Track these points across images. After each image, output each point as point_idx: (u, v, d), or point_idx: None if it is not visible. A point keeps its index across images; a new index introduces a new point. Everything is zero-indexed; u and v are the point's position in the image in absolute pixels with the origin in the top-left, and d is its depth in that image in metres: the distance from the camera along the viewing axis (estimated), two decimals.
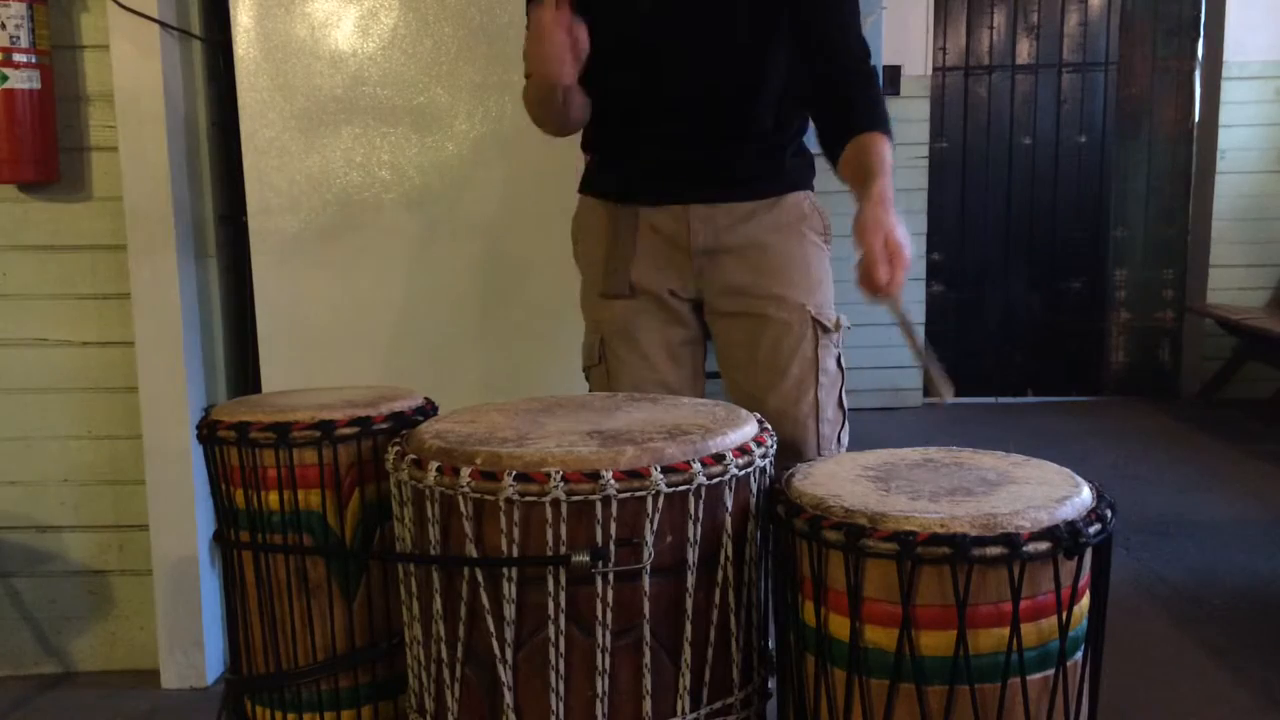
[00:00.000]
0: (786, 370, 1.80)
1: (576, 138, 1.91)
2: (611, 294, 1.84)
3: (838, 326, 1.83)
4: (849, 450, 1.82)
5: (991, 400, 5.49)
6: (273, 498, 1.58)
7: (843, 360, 1.85)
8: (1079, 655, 1.23)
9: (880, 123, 1.67)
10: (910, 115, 5.14)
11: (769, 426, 1.45)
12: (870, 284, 1.47)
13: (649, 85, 1.80)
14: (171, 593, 2.50)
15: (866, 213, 1.51)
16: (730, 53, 1.76)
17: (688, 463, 1.26)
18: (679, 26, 1.76)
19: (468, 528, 1.27)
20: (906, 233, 1.50)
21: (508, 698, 1.29)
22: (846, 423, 1.87)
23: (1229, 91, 5.17)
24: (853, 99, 1.72)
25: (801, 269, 1.83)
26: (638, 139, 1.84)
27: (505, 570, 1.26)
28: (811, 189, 1.90)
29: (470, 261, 2.44)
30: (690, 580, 1.29)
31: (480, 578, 1.28)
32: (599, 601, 1.25)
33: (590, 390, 1.93)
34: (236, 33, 2.36)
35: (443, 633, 1.33)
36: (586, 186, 1.93)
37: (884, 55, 4.99)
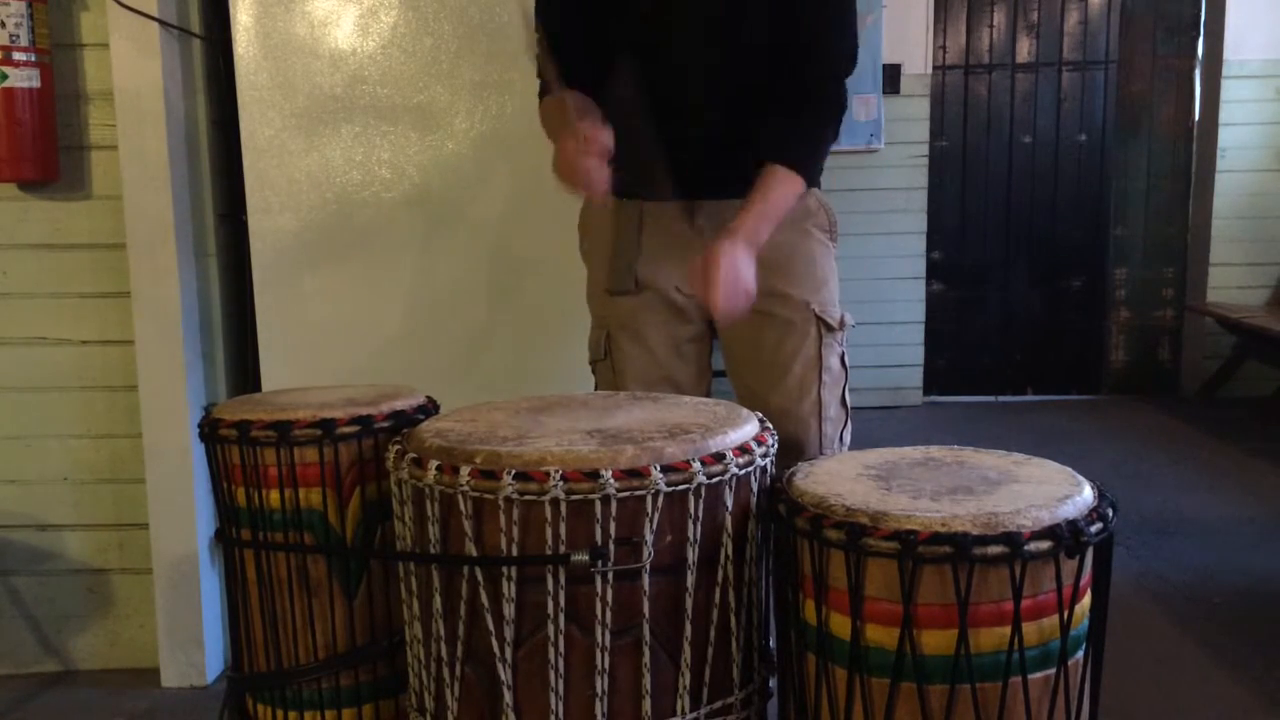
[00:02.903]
0: (789, 368, 1.80)
1: None
2: (617, 290, 1.84)
3: (842, 325, 1.83)
4: (850, 449, 1.82)
5: (992, 399, 5.49)
6: (274, 496, 1.59)
7: (846, 359, 1.85)
8: (1080, 654, 1.23)
9: (796, 157, 1.73)
10: (910, 114, 5.14)
11: (770, 426, 1.45)
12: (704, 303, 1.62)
13: (653, 84, 1.80)
14: (171, 591, 2.50)
15: (719, 242, 1.64)
16: (733, 52, 1.76)
17: (687, 462, 1.26)
18: (680, 26, 1.76)
19: (467, 526, 1.27)
20: (750, 269, 1.63)
21: (507, 697, 1.29)
22: (849, 421, 1.87)
23: (1229, 90, 5.17)
24: (791, 119, 1.76)
25: (806, 266, 1.82)
26: (643, 136, 1.83)
27: (505, 569, 1.26)
28: (817, 186, 1.90)
29: (471, 259, 2.44)
30: (690, 579, 1.29)
31: (480, 576, 1.28)
32: (598, 601, 1.25)
33: (595, 385, 1.94)
34: (236, 31, 2.36)
35: (442, 631, 1.33)
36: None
37: (884, 54, 5.00)
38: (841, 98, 1.80)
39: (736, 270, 1.61)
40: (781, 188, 1.70)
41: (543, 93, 1.84)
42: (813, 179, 1.77)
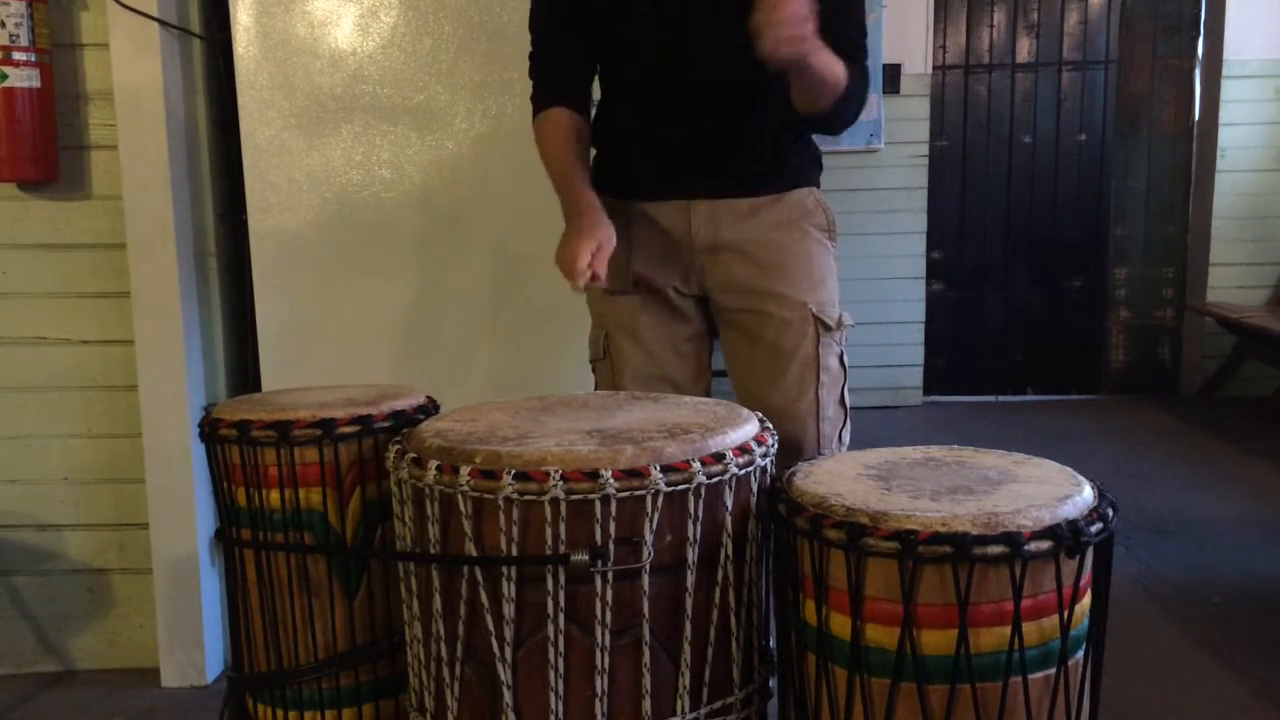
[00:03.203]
0: (787, 368, 1.80)
1: None
2: (615, 289, 1.85)
3: (840, 324, 1.83)
4: (850, 449, 1.82)
5: (991, 399, 5.49)
6: (274, 496, 1.59)
7: (845, 358, 1.85)
8: (1080, 654, 1.23)
9: (847, 60, 1.66)
10: (910, 114, 5.14)
11: (770, 425, 1.45)
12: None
13: (652, 82, 1.80)
14: (171, 591, 2.50)
15: None
16: (733, 51, 1.76)
17: (687, 462, 1.26)
18: (680, 25, 1.76)
19: (467, 526, 1.27)
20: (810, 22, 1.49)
21: (507, 696, 1.29)
22: (848, 421, 1.87)
23: (1229, 90, 5.17)
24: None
25: (804, 266, 1.83)
26: (641, 135, 1.84)
27: (505, 569, 1.26)
28: (817, 185, 1.90)
29: (471, 259, 2.44)
30: (690, 579, 1.29)
31: (480, 576, 1.28)
32: (598, 600, 1.25)
33: (595, 384, 1.94)
34: (236, 31, 2.36)
35: (442, 631, 1.33)
36: (592, 182, 1.93)
37: (884, 53, 5.00)
38: (865, 63, 1.78)
39: (805, 8, 1.50)
40: (837, 65, 1.64)
41: (536, 102, 1.85)
42: (849, 102, 1.71)
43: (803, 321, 1.80)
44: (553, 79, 1.84)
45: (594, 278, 1.65)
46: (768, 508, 1.33)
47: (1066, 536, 1.15)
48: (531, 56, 1.86)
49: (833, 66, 1.64)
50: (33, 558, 2.57)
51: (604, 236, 1.67)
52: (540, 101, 1.84)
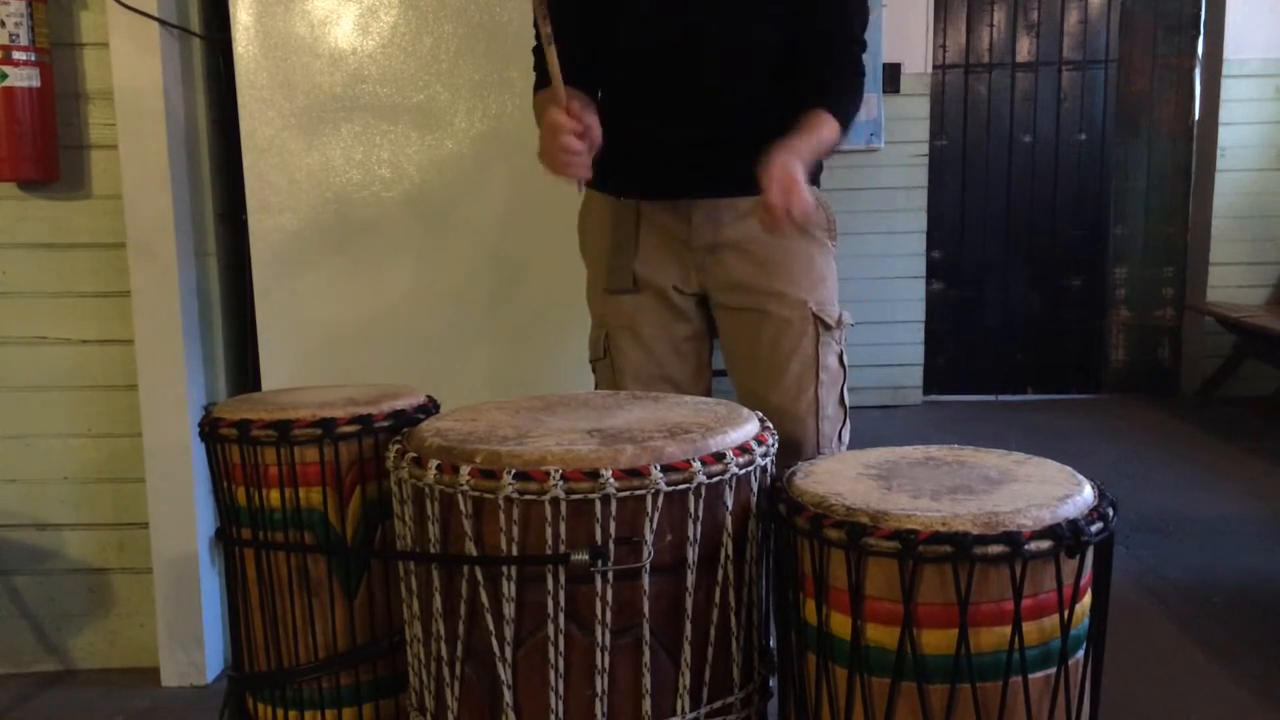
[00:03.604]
0: (786, 367, 1.80)
1: None
2: (615, 289, 1.85)
3: (840, 323, 1.83)
4: (850, 448, 1.82)
5: (991, 398, 5.49)
6: (274, 495, 1.58)
7: (845, 357, 1.85)
8: (1080, 654, 1.23)
9: (834, 104, 1.73)
10: (910, 113, 5.14)
11: (770, 425, 1.45)
12: (768, 212, 1.58)
13: (651, 82, 1.80)
14: (171, 591, 2.50)
15: (772, 155, 1.61)
16: (732, 51, 1.76)
17: (688, 461, 1.26)
18: (679, 26, 1.76)
19: (467, 526, 1.27)
20: (804, 178, 1.61)
21: (507, 696, 1.29)
22: (848, 420, 1.87)
23: (1229, 89, 5.17)
24: (822, 79, 1.77)
25: (804, 265, 1.83)
26: (641, 135, 1.83)
27: (505, 569, 1.26)
28: (817, 184, 1.90)
29: (471, 259, 2.44)
30: (690, 579, 1.29)
31: (480, 576, 1.28)
32: (598, 600, 1.25)
33: (595, 383, 1.94)
34: (236, 30, 2.36)
35: (442, 631, 1.33)
36: (591, 181, 1.93)
37: (884, 53, 5.00)
38: (862, 65, 1.82)
39: (793, 173, 1.60)
40: (825, 126, 1.71)
41: (537, 86, 1.84)
42: (847, 126, 1.77)
43: (802, 320, 1.80)
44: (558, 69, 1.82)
45: (576, 170, 1.64)
46: (768, 507, 1.33)
47: (1067, 536, 1.15)
48: (535, 51, 1.85)
49: (823, 143, 1.71)
50: (33, 557, 2.57)
51: (580, 110, 1.63)
52: (541, 85, 1.83)
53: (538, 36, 1.85)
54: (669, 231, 1.83)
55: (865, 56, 1.84)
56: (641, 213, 1.84)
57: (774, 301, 1.80)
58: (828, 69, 1.78)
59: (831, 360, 1.82)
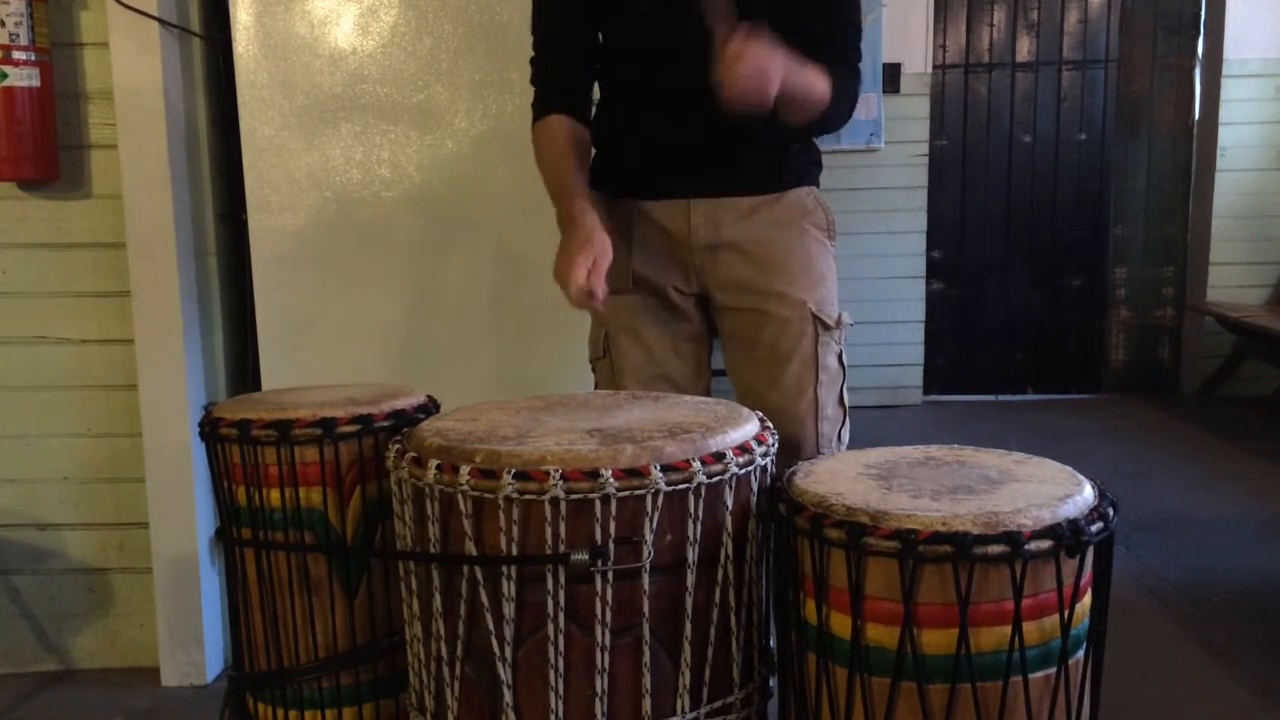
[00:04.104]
0: (786, 367, 1.80)
1: None
2: (614, 288, 1.85)
3: (839, 324, 1.83)
4: (850, 448, 1.82)
5: (991, 398, 5.50)
6: (274, 495, 1.58)
7: (844, 357, 1.85)
8: (1081, 653, 1.23)
9: (830, 74, 1.67)
10: (910, 113, 5.14)
11: (770, 425, 1.45)
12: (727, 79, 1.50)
13: (651, 82, 1.80)
14: (171, 590, 2.50)
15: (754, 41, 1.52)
16: None
17: (687, 461, 1.26)
18: (678, 25, 1.75)
19: (467, 526, 1.27)
20: (780, 70, 1.52)
21: (507, 696, 1.29)
22: (847, 420, 1.87)
23: (1229, 89, 5.17)
24: (824, 65, 1.72)
25: (803, 265, 1.82)
26: (640, 134, 1.84)
27: (504, 568, 1.26)
28: (816, 184, 1.90)
29: (471, 258, 2.44)
30: (690, 579, 1.29)
31: (480, 576, 1.28)
32: (598, 600, 1.25)
33: (595, 383, 1.94)
34: (236, 30, 2.36)
35: (442, 631, 1.33)
36: (591, 181, 1.93)
37: (884, 53, 5.00)
38: (859, 66, 1.80)
39: (768, 58, 1.52)
40: (818, 80, 1.65)
41: (536, 109, 1.84)
42: (837, 105, 1.72)
43: (802, 320, 1.80)
44: (553, 86, 1.83)
45: (592, 294, 1.63)
46: (768, 507, 1.33)
47: (1067, 536, 1.14)
48: (533, 62, 1.86)
49: (812, 86, 1.65)
50: (33, 557, 2.57)
51: (600, 249, 1.65)
52: (539, 108, 1.84)
53: (535, 46, 1.86)
54: (668, 231, 1.83)
55: (864, 62, 1.84)
56: (640, 212, 1.84)
57: (773, 301, 1.80)
58: (824, 60, 1.73)
59: (831, 360, 1.82)
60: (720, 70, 1.52)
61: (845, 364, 1.85)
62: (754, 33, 1.52)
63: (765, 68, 1.51)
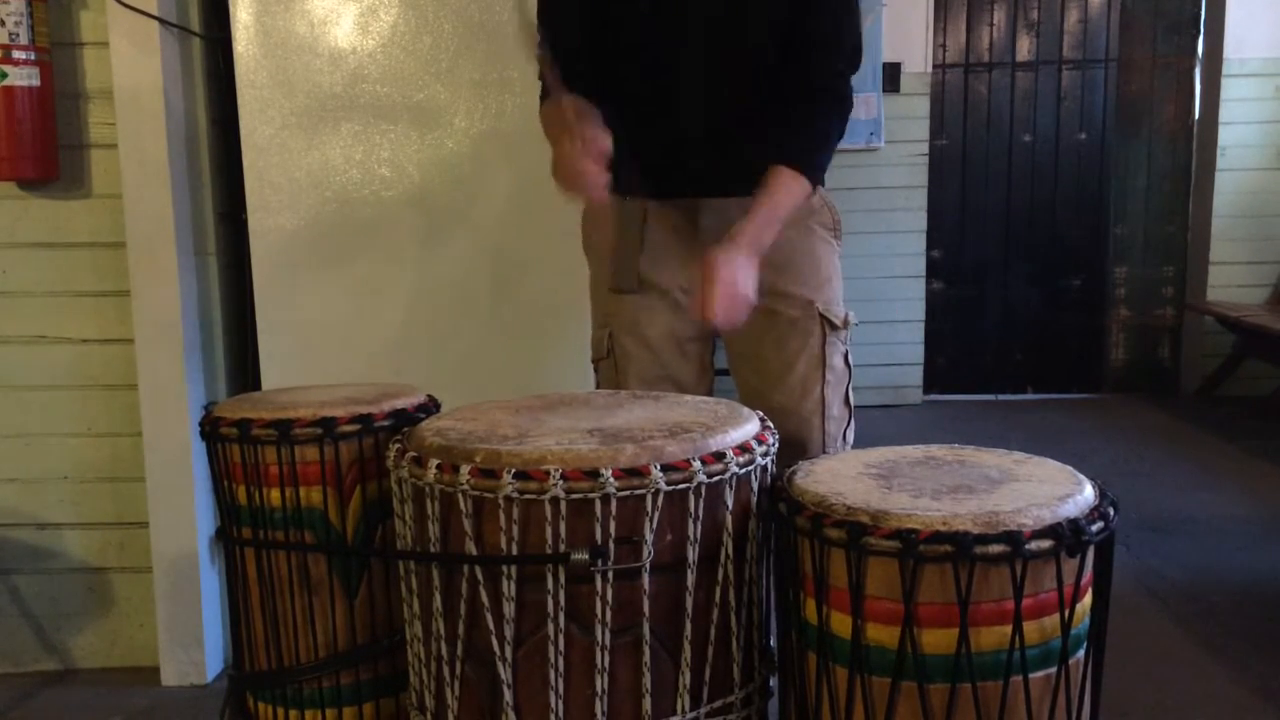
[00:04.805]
0: (793, 366, 1.80)
1: None
2: (620, 289, 1.84)
3: (846, 323, 1.83)
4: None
5: (991, 397, 5.49)
6: (274, 494, 1.59)
7: (850, 357, 1.85)
8: (1081, 653, 1.23)
9: (801, 157, 1.72)
10: (910, 112, 5.14)
11: (770, 425, 1.45)
12: (703, 315, 1.63)
13: (656, 83, 1.80)
14: (171, 590, 2.50)
15: (720, 249, 1.64)
16: (734, 51, 1.76)
17: (688, 461, 1.26)
18: (681, 26, 1.75)
19: (467, 525, 1.27)
20: (751, 276, 1.64)
21: (507, 695, 1.29)
22: (852, 420, 1.87)
23: (1229, 88, 5.17)
24: (796, 118, 1.74)
25: (810, 265, 1.82)
26: (647, 135, 1.83)
27: (505, 568, 1.26)
28: (822, 184, 1.89)
29: (471, 258, 2.44)
30: (690, 578, 1.29)
31: (480, 575, 1.28)
32: (598, 600, 1.25)
33: (598, 383, 1.94)
34: (236, 30, 2.36)
35: (442, 630, 1.33)
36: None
37: (884, 52, 5.00)
38: (846, 94, 1.79)
39: (735, 279, 1.61)
40: (787, 190, 1.70)
41: (544, 96, 1.84)
42: (818, 179, 1.77)
43: (809, 321, 1.80)
44: (559, 74, 1.82)
45: (594, 192, 1.62)
46: (768, 507, 1.33)
47: (1067, 535, 1.14)
48: (539, 59, 1.85)
49: (779, 209, 1.71)
50: (33, 557, 2.57)
51: (593, 136, 1.62)
52: (549, 93, 1.82)
53: (539, 45, 1.85)
54: (677, 231, 1.83)
55: (864, 62, 1.83)
56: (649, 212, 1.84)
57: (781, 301, 1.80)
58: (804, 106, 1.75)
59: (838, 360, 1.82)
60: (698, 303, 1.64)
61: (851, 364, 1.85)
62: (725, 254, 1.62)
63: (735, 295, 1.62)
